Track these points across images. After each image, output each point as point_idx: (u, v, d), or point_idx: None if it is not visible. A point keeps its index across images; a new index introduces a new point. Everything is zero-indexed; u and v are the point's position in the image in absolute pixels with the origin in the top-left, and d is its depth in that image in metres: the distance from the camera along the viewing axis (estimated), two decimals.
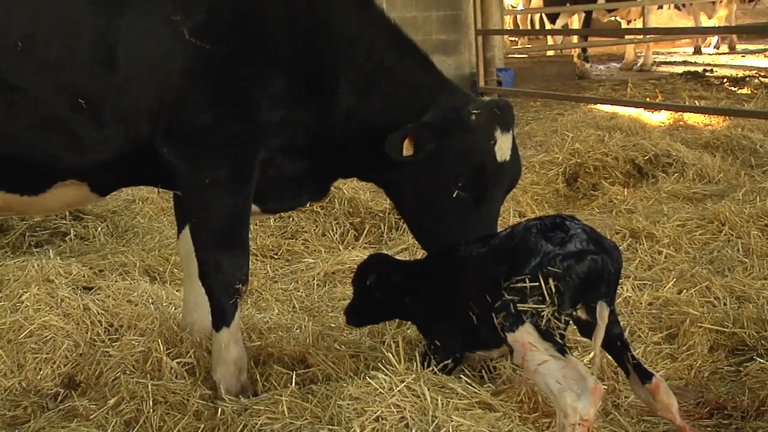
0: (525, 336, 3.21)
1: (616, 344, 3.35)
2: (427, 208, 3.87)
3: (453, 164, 3.76)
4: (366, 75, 3.83)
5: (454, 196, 3.75)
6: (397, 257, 5.32)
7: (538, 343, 3.18)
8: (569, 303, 3.21)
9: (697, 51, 18.66)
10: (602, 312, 3.18)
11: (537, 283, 3.19)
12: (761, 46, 18.66)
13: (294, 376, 3.78)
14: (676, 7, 19.63)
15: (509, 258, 3.36)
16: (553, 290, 3.17)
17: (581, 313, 3.29)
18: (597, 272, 3.21)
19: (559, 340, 3.19)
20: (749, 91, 12.60)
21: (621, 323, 3.55)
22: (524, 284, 3.21)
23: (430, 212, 3.87)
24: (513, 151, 3.85)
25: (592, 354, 3.89)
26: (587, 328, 3.38)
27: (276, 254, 5.90)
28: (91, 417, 3.64)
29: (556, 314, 3.17)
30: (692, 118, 9.95)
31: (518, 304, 3.21)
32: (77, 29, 3.54)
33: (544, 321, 3.17)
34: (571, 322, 3.29)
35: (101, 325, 4.29)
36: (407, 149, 3.69)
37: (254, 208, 3.88)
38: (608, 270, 3.24)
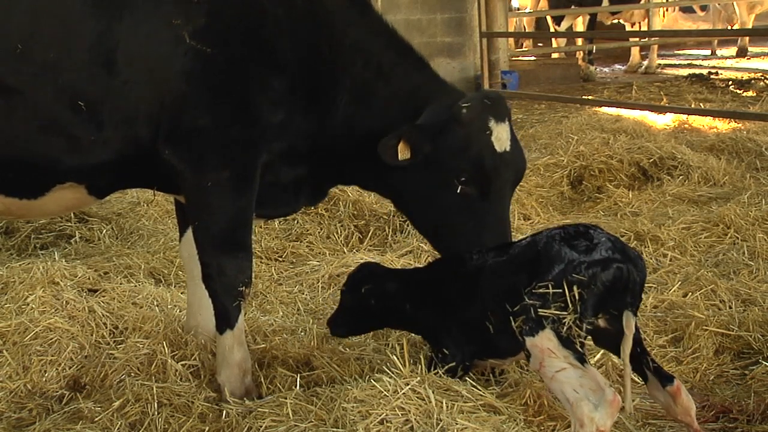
0: (545, 342, 3.19)
1: (635, 350, 3.32)
2: (434, 210, 3.85)
3: (452, 160, 3.74)
4: (364, 81, 3.84)
5: (459, 192, 3.73)
6: (399, 261, 5.35)
7: (557, 349, 3.17)
8: (592, 311, 3.20)
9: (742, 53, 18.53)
10: (629, 321, 3.16)
11: (560, 290, 3.17)
12: (766, 49, 18.65)
13: (298, 379, 3.78)
14: (682, 9, 19.64)
15: (531, 266, 3.34)
16: (577, 298, 3.16)
17: (601, 322, 3.28)
18: (622, 281, 3.21)
19: (579, 349, 3.17)
20: (754, 94, 12.59)
21: None
22: (547, 290, 3.19)
23: (438, 213, 3.85)
24: (513, 143, 3.82)
25: (597, 358, 3.89)
26: (604, 338, 3.36)
27: (280, 257, 5.90)
28: (96, 419, 3.64)
29: (577, 322, 3.16)
30: (697, 121, 9.94)
31: (540, 310, 3.20)
32: (77, 32, 3.54)
33: (565, 328, 3.16)
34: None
35: (106, 328, 4.29)
36: (403, 153, 3.69)
37: None
38: (633, 279, 3.23)
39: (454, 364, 3.57)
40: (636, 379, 3.50)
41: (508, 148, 3.78)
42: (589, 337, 3.35)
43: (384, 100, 3.84)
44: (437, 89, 3.92)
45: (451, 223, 3.83)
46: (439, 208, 3.83)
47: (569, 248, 3.28)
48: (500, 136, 3.76)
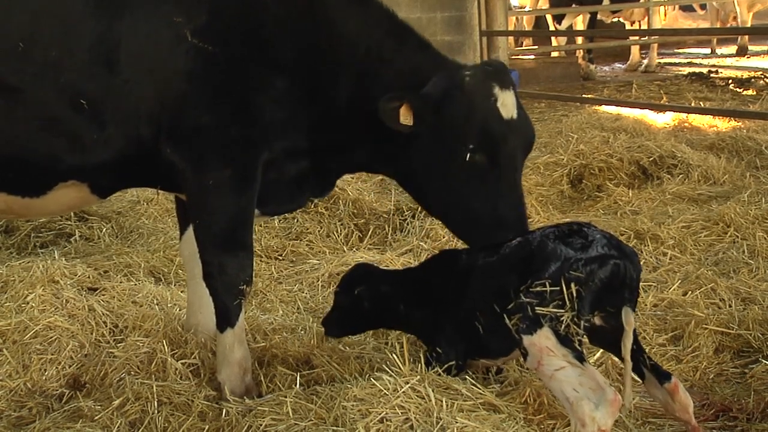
0: (543, 340, 3.17)
1: (632, 347, 3.31)
2: (446, 183, 3.76)
3: (459, 128, 3.67)
4: (366, 71, 3.81)
5: (468, 160, 3.65)
6: (398, 260, 5.35)
7: (556, 348, 3.15)
8: (589, 308, 3.19)
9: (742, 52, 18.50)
10: (628, 317, 3.16)
11: (558, 288, 3.16)
12: (765, 48, 18.64)
13: (298, 377, 3.78)
14: (682, 8, 19.63)
15: (524, 266, 3.33)
16: (575, 295, 3.14)
17: (597, 320, 3.27)
18: (619, 277, 3.20)
19: (578, 347, 3.16)
20: (754, 93, 12.58)
21: None
22: (544, 288, 3.18)
23: (449, 187, 3.75)
24: (520, 111, 3.76)
25: (597, 356, 3.89)
26: (601, 335, 3.36)
27: (280, 255, 5.90)
28: (96, 418, 3.64)
29: (575, 320, 3.15)
30: (697, 120, 9.93)
31: (537, 308, 3.18)
32: (78, 31, 3.55)
33: (563, 326, 3.14)
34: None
35: (106, 326, 4.29)
36: (405, 118, 3.64)
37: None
38: (630, 275, 3.23)
39: (447, 363, 3.56)
40: (636, 377, 3.49)
41: (515, 116, 3.72)
42: (586, 335, 3.35)
43: (387, 85, 3.77)
44: (440, 65, 3.87)
45: (464, 195, 3.74)
46: (450, 181, 3.74)
47: (564, 246, 3.27)
48: (506, 103, 3.70)
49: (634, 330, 3.33)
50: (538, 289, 3.20)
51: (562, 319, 3.15)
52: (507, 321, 3.28)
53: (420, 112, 3.65)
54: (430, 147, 3.73)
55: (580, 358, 3.15)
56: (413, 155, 3.78)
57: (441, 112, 3.67)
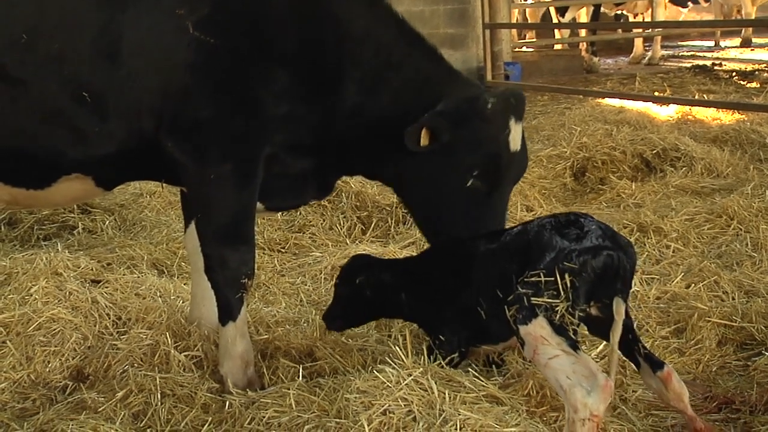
0: (538, 329, 3.20)
1: (627, 337, 3.34)
2: (438, 200, 3.82)
3: (468, 153, 3.70)
4: (373, 72, 3.79)
5: (469, 185, 3.71)
6: (401, 253, 5.35)
7: (550, 337, 3.18)
8: (584, 298, 3.21)
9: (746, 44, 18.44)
10: (618, 308, 3.18)
11: (552, 278, 3.18)
12: None
13: (301, 370, 3.78)
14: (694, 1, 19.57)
15: (522, 254, 3.36)
16: (569, 285, 3.17)
17: (593, 310, 3.29)
18: (612, 268, 3.21)
19: (572, 336, 3.19)
20: (758, 85, 12.56)
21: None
22: (539, 278, 3.20)
23: (442, 204, 3.81)
24: (522, 142, 3.83)
25: (600, 349, 3.90)
26: (598, 326, 3.38)
27: (283, 248, 5.91)
28: (100, 409, 3.65)
29: (570, 309, 3.17)
30: (701, 112, 9.92)
31: (533, 298, 3.21)
32: (81, 23, 3.54)
33: (558, 316, 3.17)
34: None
35: (109, 318, 4.30)
36: (424, 138, 3.65)
37: (258, 205, 3.88)
38: (624, 266, 3.24)
39: (450, 350, 3.58)
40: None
41: (518, 148, 3.79)
42: (584, 325, 3.36)
43: (395, 90, 3.78)
44: (451, 79, 3.87)
45: (454, 214, 3.81)
46: (444, 199, 3.79)
47: (560, 236, 3.29)
48: (515, 136, 3.76)
49: (631, 319, 3.35)
50: (533, 279, 3.23)
51: (557, 309, 3.17)
52: (506, 311, 3.29)
53: (438, 131, 3.65)
54: (435, 164, 3.74)
55: (574, 346, 3.18)
56: (417, 168, 3.79)
57: (455, 133, 3.67)
